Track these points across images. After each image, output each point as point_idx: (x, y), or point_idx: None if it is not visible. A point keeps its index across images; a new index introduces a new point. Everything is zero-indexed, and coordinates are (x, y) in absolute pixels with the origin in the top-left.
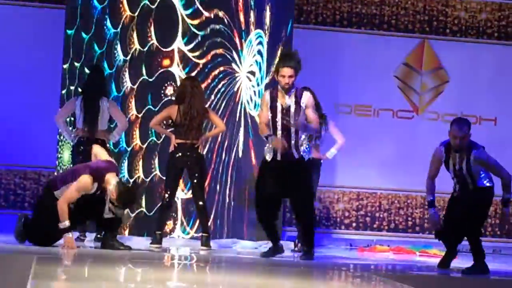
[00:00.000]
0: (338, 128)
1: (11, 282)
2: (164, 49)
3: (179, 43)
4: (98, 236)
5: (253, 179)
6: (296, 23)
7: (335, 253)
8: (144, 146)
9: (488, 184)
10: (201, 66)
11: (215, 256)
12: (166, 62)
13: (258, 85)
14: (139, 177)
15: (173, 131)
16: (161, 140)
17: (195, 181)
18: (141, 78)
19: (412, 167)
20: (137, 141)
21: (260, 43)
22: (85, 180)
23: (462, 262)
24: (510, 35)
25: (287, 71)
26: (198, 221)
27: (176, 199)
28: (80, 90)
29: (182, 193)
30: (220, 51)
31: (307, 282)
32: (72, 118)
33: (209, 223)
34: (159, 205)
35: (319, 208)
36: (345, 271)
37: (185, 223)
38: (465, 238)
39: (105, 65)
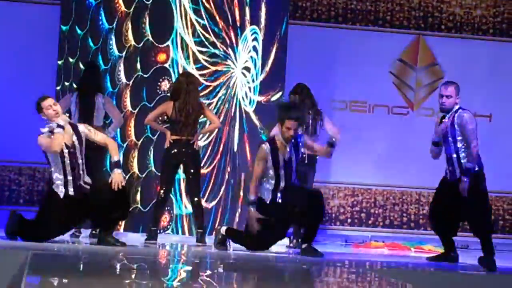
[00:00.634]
0: (333, 124)
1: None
2: (160, 45)
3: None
4: (93, 232)
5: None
6: (291, 19)
7: (331, 249)
8: (139, 142)
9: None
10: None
11: (210, 252)
12: (161, 58)
13: (253, 81)
14: (134, 173)
15: (168, 127)
16: (156, 136)
17: (190, 177)
18: (136, 74)
19: (407, 163)
20: (132, 137)
21: (256, 39)
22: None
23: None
24: (505, 31)
25: (292, 124)
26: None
27: (171, 195)
28: (75, 86)
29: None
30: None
31: (303, 278)
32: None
33: (204, 219)
34: (154, 201)
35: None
36: (340, 267)
37: None
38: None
39: (100, 61)
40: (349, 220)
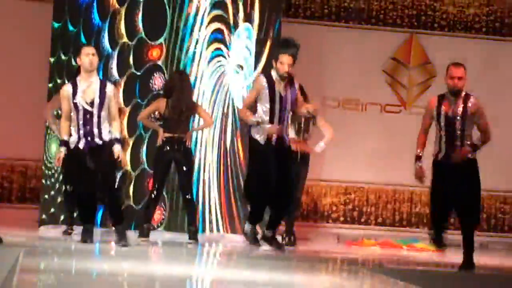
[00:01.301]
0: (326, 122)
1: None
2: (153, 42)
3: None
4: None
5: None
6: (284, 16)
7: (323, 246)
8: (132, 139)
9: (472, 157)
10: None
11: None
12: (154, 55)
13: (245, 78)
14: (126, 170)
15: (161, 124)
16: (149, 133)
17: (182, 174)
18: (129, 71)
19: (400, 161)
20: (124, 134)
21: (248, 37)
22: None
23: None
24: (498, 30)
25: (287, 59)
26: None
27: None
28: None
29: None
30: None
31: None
32: (60, 112)
33: (196, 216)
34: (146, 198)
35: (307, 202)
36: (333, 265)
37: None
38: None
39: None
40: (341, 218)
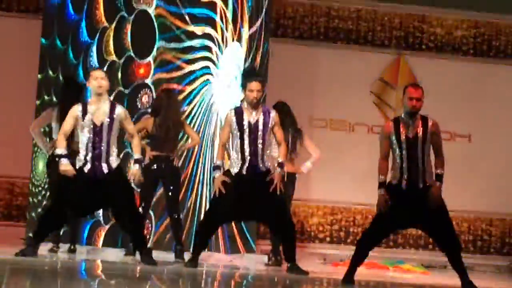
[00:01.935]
0: (313, 142)
1: None
2: (140, 60)
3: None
4: (72, 247)
5: None
6: (273, 36)
7: (310, 267)
8: (120, 157)
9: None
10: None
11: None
12: (142, 72)
13: (234, 97)
14: None
15: (148, 143)
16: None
17: (169, 193)
18: (117, 89)
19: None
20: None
21: (238, 56)
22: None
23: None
24: (485, 52)
25: (255, 85)
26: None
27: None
28: (56, 101)
29: None
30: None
31: None
32: (47, 129)
33: (183, 236)
34: None
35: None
36: (319, 286)
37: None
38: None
39: (81, 75)
40: (328, 239)
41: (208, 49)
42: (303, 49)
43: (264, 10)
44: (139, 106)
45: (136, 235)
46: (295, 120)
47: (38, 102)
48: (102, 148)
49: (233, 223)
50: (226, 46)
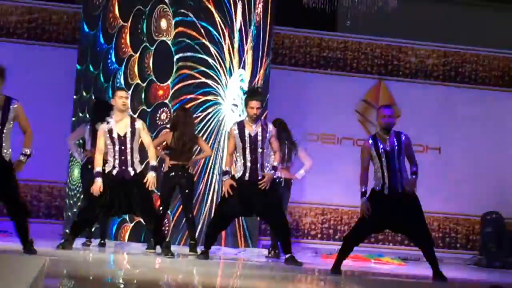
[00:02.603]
0: (306, 153)
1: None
2: (161, 83)
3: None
4: (102, 242)
5: None
6: (272, 64)
7: (304, 259)
8: (142, 166)
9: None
10: (191, 97)
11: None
12: (161, 94)
13: (239, 116)
14: None
15: (167, 153)
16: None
17: (185, 196)
18: (141, 108)
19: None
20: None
21: (242, 80)
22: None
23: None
24: (452, 77)
25: (255, 103)
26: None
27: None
28: (89, 117)
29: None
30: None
31: (279, 283)
32: (81, 141)
33: (196, 232)
34: None
35: (289, 221)
36: (311, 275)
37: None
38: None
39: (110, 95)
40: (319, 235)
41: (217, 72)
42: (298, 75)
43: (266, 40)
44: (159, 123)
45: (156, 231)
46: (291, 134)
47: (74, 119)
48: (128, 155)
49: (236, 223)
50: (233, 71)
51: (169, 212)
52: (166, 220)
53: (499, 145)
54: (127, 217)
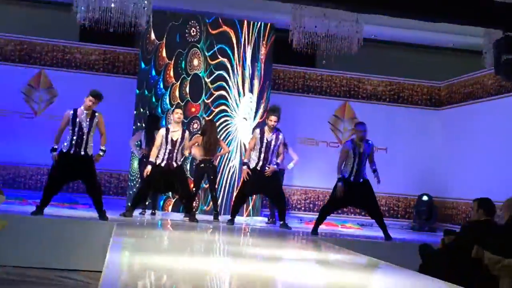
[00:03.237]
0: (294, 152)
1: (101, 238)
2: (194, 103)
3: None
4: (153, 212)
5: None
6: (272, 90)
7: (292, 225)
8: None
9: (367, 178)
10: (215, 112)
11: (222, 225)
12: (193, 111)
13: (249, 126)
14: None
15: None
16: (190, 158)
17: (211, 181)
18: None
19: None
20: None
21: (251, 100)
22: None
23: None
24: (396, 100)
25: (273, 118)
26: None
27: (199, 192)
28: (144, 126)
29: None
30: (226, 104)
31: (275, 241)
32: (139, 142)
33: (218, 205)
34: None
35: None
36: (296, 236)
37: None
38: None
39: (159, 110)
40: (303, 208)
41: (233, 95)
42: (290, 98)
43: (268, 73)
44: (192, 130)
45: (187, 206)
46: (283, 138)
47: (134, 127)
48: (175, 154)
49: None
50: (244, 94)
51: (199, 192)
52: (197, 197)
53: (427, 146)
54: (170, 194)
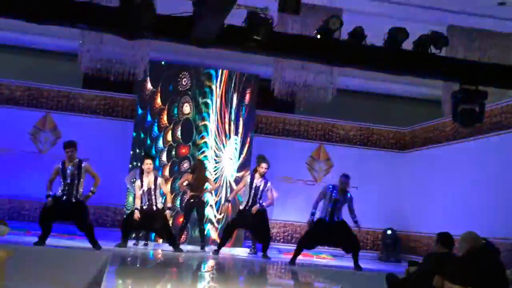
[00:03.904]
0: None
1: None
2: (185, 144)
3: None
4: (145, 243)
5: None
6: (255, 133)
7: (271, 255)
8: (172, 195)
9: (343, 218)
10: (205, 153)
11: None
12: (184, 151)
13: (234, 165)
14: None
15: (188, 187)
16: (181, 193)
17: (199, 214)
18: (172, 159)
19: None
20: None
21: (235, 141)
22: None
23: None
24: (366, 143)
25: (264, 165)
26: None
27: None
28: (139, 165)
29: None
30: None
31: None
32: (133, 180)
33: (205, 237)
34: (179, 227)
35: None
36: (275, 266)
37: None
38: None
39: (153, 151)
40: (281, 240)
41: (220, 137)
42: (271, 140)
43: (251, 118)
44: (182, 169)
45: (171, 242)
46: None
47: (130, 165)
48: (153, 199)
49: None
50: (230, 136)
51: (188, 225)
52: (185, 230)
53: (393, 185)
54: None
